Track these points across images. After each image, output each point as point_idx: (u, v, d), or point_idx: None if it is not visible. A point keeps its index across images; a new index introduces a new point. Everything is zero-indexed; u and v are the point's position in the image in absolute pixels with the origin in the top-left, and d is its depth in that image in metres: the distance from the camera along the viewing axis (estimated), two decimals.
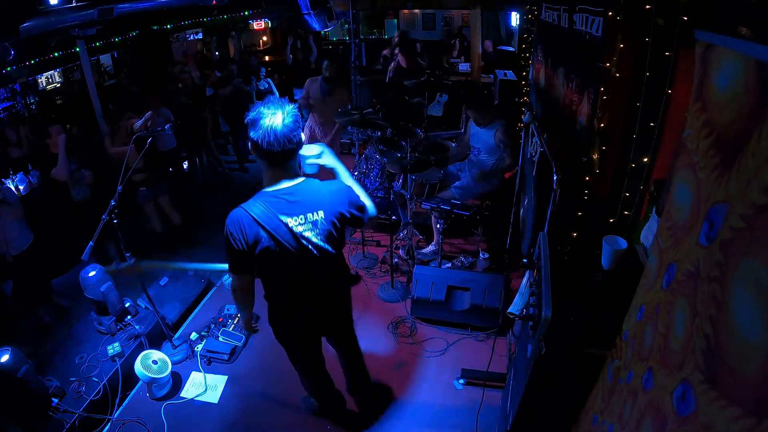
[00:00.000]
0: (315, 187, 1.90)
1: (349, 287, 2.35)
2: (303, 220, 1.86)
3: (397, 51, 6.91)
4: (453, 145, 4.40)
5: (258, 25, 11.74)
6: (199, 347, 3.27)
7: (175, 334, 3.42)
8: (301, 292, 2.06)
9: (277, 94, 7.43)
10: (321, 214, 1.88)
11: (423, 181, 4.37)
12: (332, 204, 1.91)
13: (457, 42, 9.34)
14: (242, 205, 1.83)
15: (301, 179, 1.89)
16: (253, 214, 1.80)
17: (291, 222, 1.84)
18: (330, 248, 1.94)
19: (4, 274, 3.94)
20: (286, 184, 1.85)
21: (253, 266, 1.92)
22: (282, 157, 1.78)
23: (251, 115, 1.77)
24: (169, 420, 2.79)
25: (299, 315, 2.13)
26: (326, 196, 1.91)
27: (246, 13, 9.57)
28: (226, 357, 3.18)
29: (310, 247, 1.89)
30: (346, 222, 1.98)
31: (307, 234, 1.87)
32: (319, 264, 1.96)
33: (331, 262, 2.01)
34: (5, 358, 2.52)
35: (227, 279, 3.97)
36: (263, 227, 1.81)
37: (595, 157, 2.81)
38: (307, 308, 2.11)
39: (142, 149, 3.06)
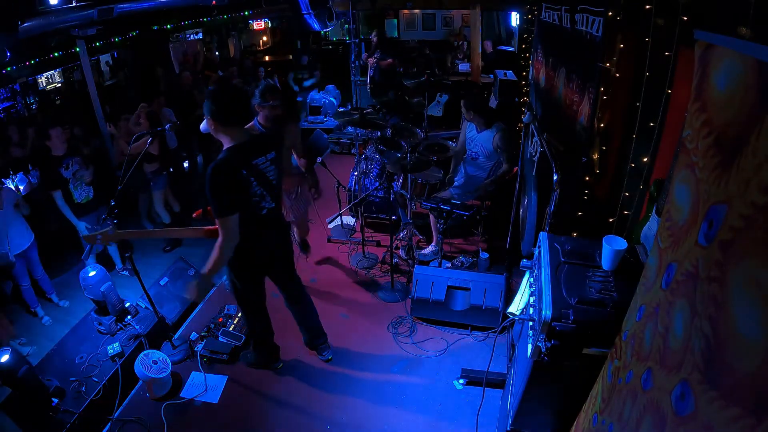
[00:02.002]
0: (262, 136, 2.57)
1: (288, 231, 2.90)
2: (265, 159, 2.39)
3: (375, 57, 6.90)
4: (453, 144, 4.41)
5: (258, 25, 11.73)
6: (199, 347, 3.27)
7: (175, 334, 3.42)
8: (264, 226, 2.50)
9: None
10: (273, 153, 2.45)
11: (423, 181, 4.37)
12: (276, 146, 2.50)
13: (465, 44, 9.32)
14: (220, 157, 2.26)
15: (250, 133, 2.43)
16: (234, 161, 2.28)
17: (259, 161, 2.37)
18: (280, 178, 2.51)
19: (5, 274, 3.94)
20: (244, 136, 2.33)
21: (237, 207, 2.30)
22: (244, 117, 2.35)
23: (212, 90, 2.29)
24: (169, 420, 2.79)
25: (261, 249, 2.56)
26: (270, 140, 2.53)
27: (246, 13, 9.57)
28: (226, 357, 3.18)
29: (272, 180, 2.44)
30: (282, 159, 2.55)
31: (269, 169, 2.42)
32: (274, 197, 2.49)
33: (280, 198, 2.56)
34: (5, 358, 2.52)
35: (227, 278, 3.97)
36: (246, 168, 2.30)
37: (595, 157, 2.81)
38: (266, 242, 2.56)
39: (153, 145, 3.12)
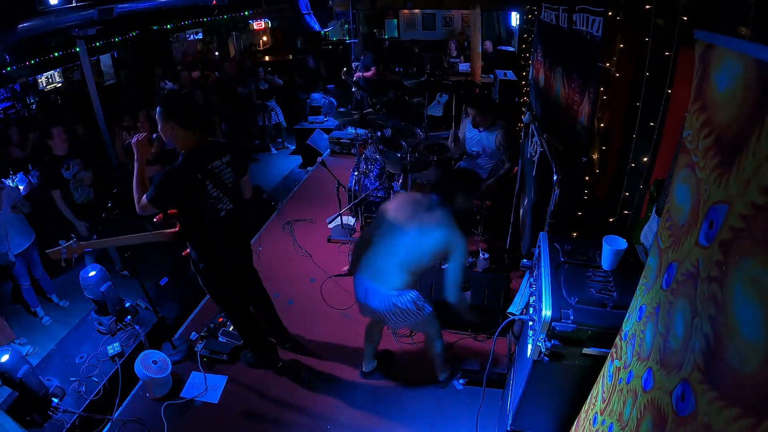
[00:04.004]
0: (216, 142, 2.53)
1: (248, 231, 2.92)
2: (221, 162, 2.43)
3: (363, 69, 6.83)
4: (451, 144, 4.41)
5: (258, 25, 11.74)
6: (199, 347, 3.26)
7: (174, 334, 3.42)
8: (225, 228, 2.51)
9: (278, 90, 7.46)
10: (228, 156, 2.47)
11: (423, 181, 4.37)
12: (230, 149, 2.52)
13: (452, 42, 9.34)
14: (177, 162, 2.30)
15: (205, 139, 2.42)
16: (191, 166, 2.30)
17: (216, 164, 2.40)
18: (236, 182, 2.52)
19: (5, 274, 3.94)
20: (200, 141, 2.36)
21: (167, 207, 2.39)
22: (200, 120, 2.37)
23: (167, 95, 2.27)
24: (169, 420, 2.79)
25: (226, 253, 2.59)
26: (225, 145, 2.55)
27: (246, 13, 9.58)
28: (226, 357, 3.17)
29: (228, 182, 2.45)
30: (238, 163, 2.53)
31: (224, 172, 2.44)
32: (232, 198, 2.49)
33: (237, 199, 2.55)
34: (5, 358, 2.52)
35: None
36: (201, 172, 2.33)
37: (595, 157, 2.81)
38: (229, 244, 2.59)
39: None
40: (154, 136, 2.43)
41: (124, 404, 2.91)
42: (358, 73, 7.00)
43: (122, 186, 4.37)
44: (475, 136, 3.92)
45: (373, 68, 6.83)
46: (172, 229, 2.62)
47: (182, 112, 2.28)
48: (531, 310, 2.03)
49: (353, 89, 7.01)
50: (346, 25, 10.29)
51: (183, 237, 2.57)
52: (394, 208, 2.42)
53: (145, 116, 4.77)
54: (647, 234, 2.18)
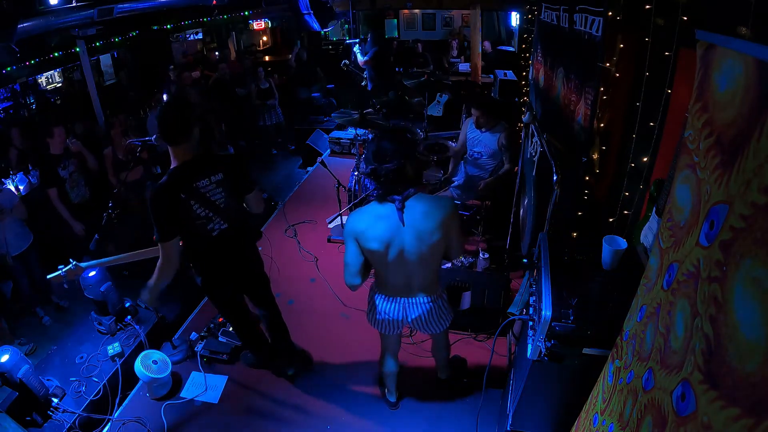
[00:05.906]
0: (209, 156, 2.35)
1: (255, 245, 2.78)
2: (209, 182, 2.29)
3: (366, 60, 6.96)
4: (452, 144, 4.41)
5: (258, 25, 11.73)
6: (199, 347, 3.26)
7: (175, 334, 3.42)
8: (219, 246, 2.42)
9: (277, 95, 7.46)
10: (220, 174, 2.32)
11: (423, 181, 4.36)
12: (225, 166, 2.36)
13: (455, 42, 9.35)
14: (161, 181, 2.21)
15: (197, 153, 2.28)
16: (174, 185, 2.20)
17: (202, 184, 2.27)
18: (231, 202, 2.38)
19: (4, 275, 3.94)
20: (189, 156, 2.23)
21: (178, 231, 2.28)
22: (188, 134, 2.19)
23: (160, 107, 2.20)
24: (169, 420, 2.79)
25: (221, 268, 2.52)
26: (218, 161, 2.36)
27: (246, 13, 9.58)
28: (226, 357, 3.17)
29: (218, 202, 2.33)
30: (235, 181, 2.39)
31: (213, 192, 2.31)
32: (227, 218, 2.37)
33: (235, 218, 2.43)
34: (5, 358, 2.52)
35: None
36: (185, 192, 2.21)
37: (595, 157, 2.82)
38: (224, 262, 2.50)
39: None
40: (155, 137, 2.42)
41: (124, 404, 2.91)
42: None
43: (121, 185, 4.37)
44: (477, 137, 3.93)
45: (366, 58, 6.92)
46: None
47: (167, 128, 2.17)
48: (531, 310, 2.03)
49: (363, 76, 7.08)
50: (346, 25, 10.29)
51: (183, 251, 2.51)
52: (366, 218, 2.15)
53: (120, 122, 4.71)
54: (647, 234, 2.18)
